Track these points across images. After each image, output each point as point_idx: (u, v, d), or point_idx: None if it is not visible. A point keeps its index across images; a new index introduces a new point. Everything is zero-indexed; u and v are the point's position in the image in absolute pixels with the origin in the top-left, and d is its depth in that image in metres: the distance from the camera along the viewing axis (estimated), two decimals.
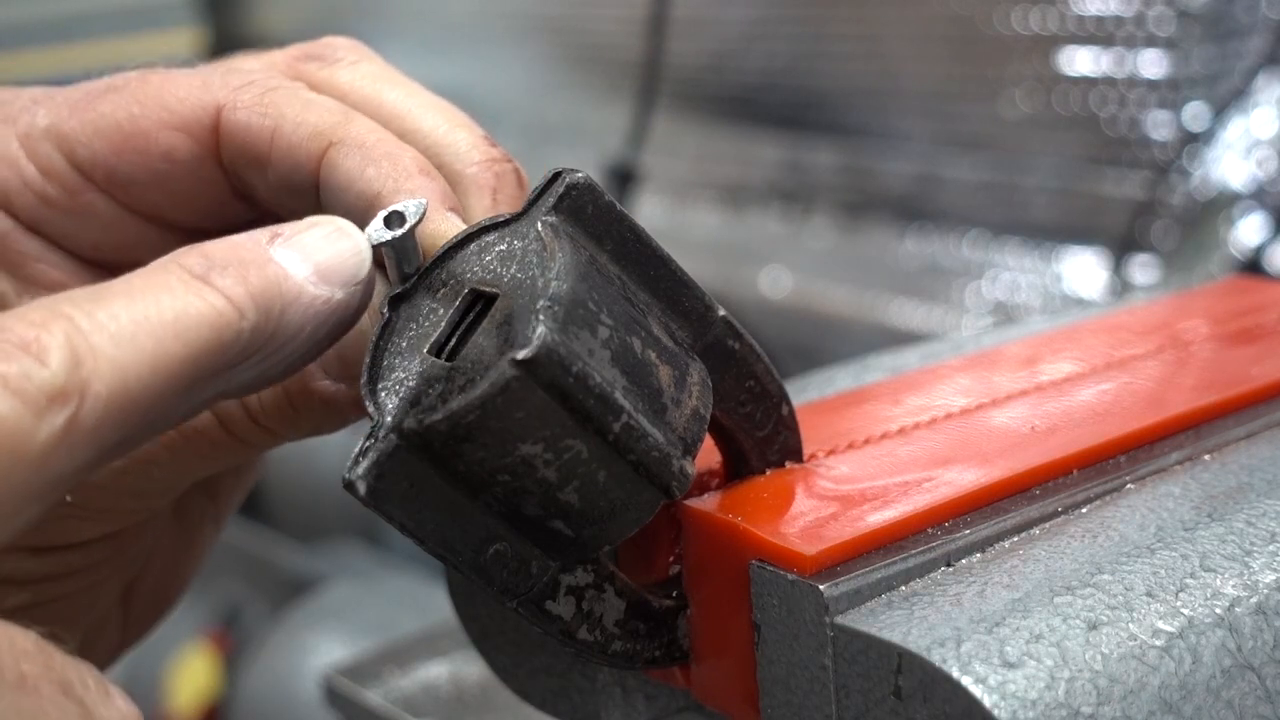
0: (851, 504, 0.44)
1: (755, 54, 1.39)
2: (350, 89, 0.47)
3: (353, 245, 0.40)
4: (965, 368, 0.58)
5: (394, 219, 0.41)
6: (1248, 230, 1.04)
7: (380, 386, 0.40)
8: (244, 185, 0.46)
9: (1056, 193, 1.16)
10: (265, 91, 0.45)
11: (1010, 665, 0.36)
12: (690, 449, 0.41)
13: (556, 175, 0.42)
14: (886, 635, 0.38)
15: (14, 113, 0.47)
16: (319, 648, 1.29)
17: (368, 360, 0.40)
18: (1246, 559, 0.42)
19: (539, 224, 0.41)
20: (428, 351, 0.40)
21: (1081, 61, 1.12)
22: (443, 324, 0.40)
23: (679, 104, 1.46)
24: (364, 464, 0.38)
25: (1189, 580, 0.41)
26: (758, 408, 0.45)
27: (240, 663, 1.41)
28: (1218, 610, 0.40)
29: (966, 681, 0.36)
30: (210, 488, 0.53)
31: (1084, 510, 0.45)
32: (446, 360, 0.39)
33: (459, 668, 0.82)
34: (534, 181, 0.43)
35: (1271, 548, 0.42)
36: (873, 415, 0.52)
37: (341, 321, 0.40)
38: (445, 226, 0.42)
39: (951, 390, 0.55)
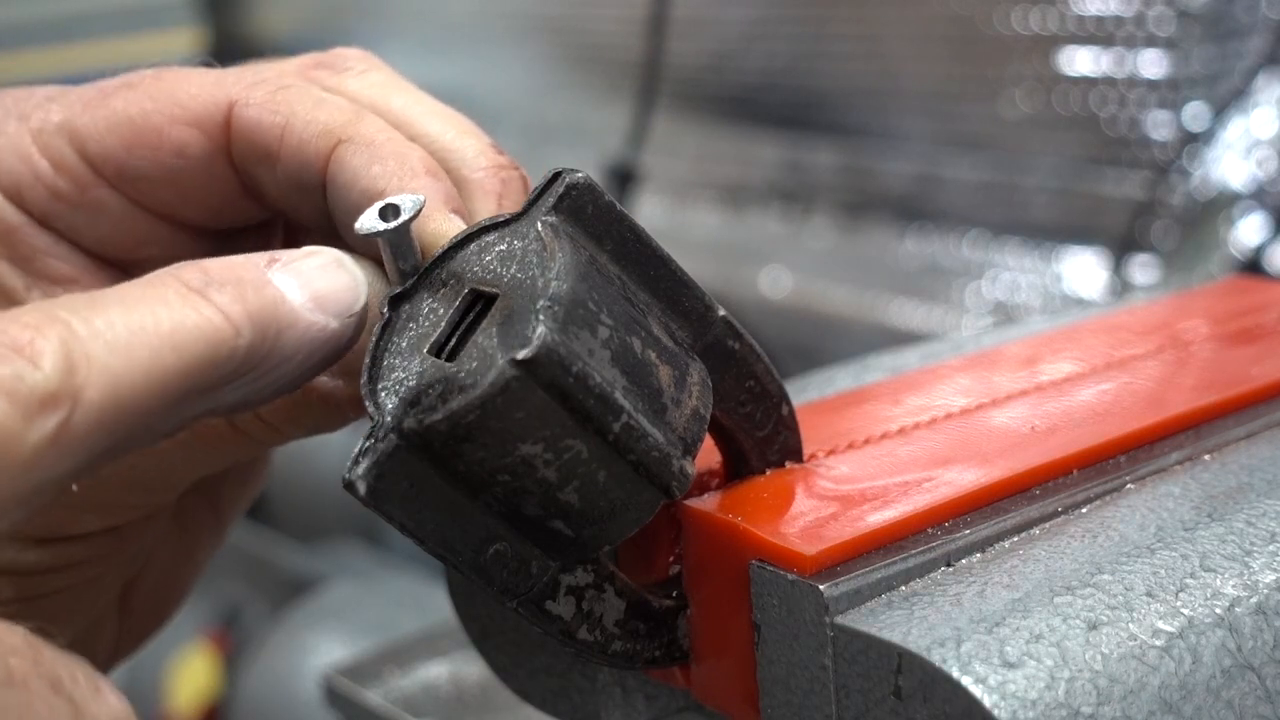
0: (851, 504, 0.44)
1: (755, 54, 1.39)
2: (358, 96, 0.47)
3: (350, 278, 0.40)
4: (965, 368, 0.58)
5: (389, 211, 0.41)
6: (1248, 230, 1.04)
7: (380, 386, 0.40)
8: (253, 182, 0.47)
9: (1056, 193, 1.16)
10: (278, 89, 0.46)
11: (1010, 665, 0.37)
12: (690, 449, 0.41)
13: (556, 175, 0.42)
14: (886, 635, 0.38)
15: (28, 109, 0.47)
16: (319, 648, 1.29)
17: (368, 360, 0.40)
18: (1246, 559, 0.42)
19: (539, 224, 0.41)
20: (428, 351, 0.40)
21: (1081, 61, 1.12)
22: (443, 324, 0.40)
23: (679, 104, 1.46)
24: (364, 464, 0.38)
25: (1189, 580, 0.41)
26: (758, 408, 0.45)
27: (240, 663, 1.41)
28: (1218, 610, 0.40)
29: (966, 681, 0.36)
30: (213, 497, 0.53)
31: (1084, 510, 0.45)
32: (446, 360, 0.39)
33: (459, 668, 0.82)
34: (534, 182, 0.43)
35: (1271, 548, 0.42)
36: (873, 415, 0.52)
37: (335, 351, 0.40)
38: (446, 226, 0.43)
39: (951, 390, 0.55)
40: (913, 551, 0.42)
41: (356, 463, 0.38)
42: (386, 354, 0.41)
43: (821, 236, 1.34)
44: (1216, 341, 0.60)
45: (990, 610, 0.39)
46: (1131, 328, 0.62)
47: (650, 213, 1.46)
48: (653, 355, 0.40)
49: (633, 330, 0.40)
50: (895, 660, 0.38)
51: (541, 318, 0.37)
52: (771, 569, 0.41)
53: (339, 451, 1.38)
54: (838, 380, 0.58)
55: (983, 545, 0.43)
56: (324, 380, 0.44)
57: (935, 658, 0.37)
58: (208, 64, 0.48)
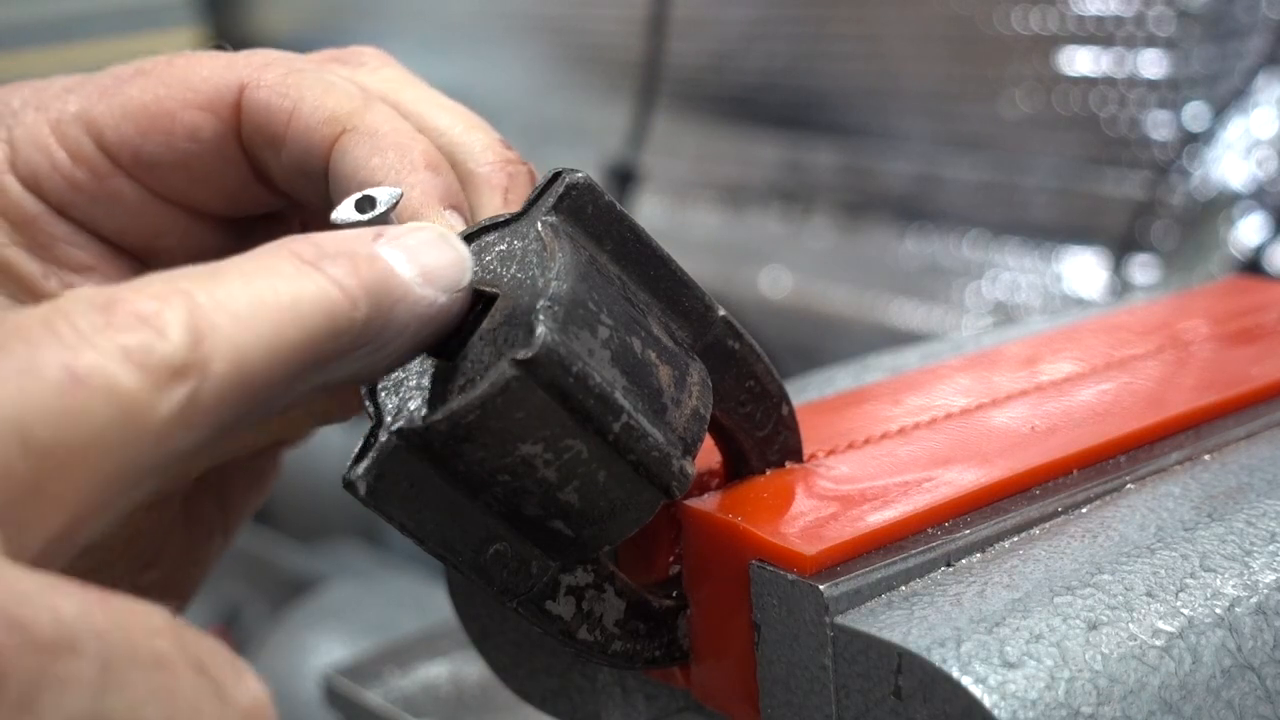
0: (851, 504, 0.44)
1: (755, 54, 1.39)
2: (369, 89, 0.47)
3: (455, 254, 0.39)
4: (965, 368, 0.58)
5: (365, 203, 0.41)
6: (1248, 230, 1.04)
7: (380, 386, 0.40)
8: (262, 167, 0.47)
9: (1056, 193, 1.16)
10: (289, 73, 0.46)
11: (1010, 665, 0.36)
12: (690, 449, 0.41)
13: (556, 175, 0.42)
14: (886, 635, 0.38)
15: (46, 100, 0.47)
16: (319, 648, 1.29)
17: None
18: (1246, 559, 0.42)
19: (539, 224, 0.41)
20: (428, 351, 0.40)
21: (1081, 61, 1.12)
22: None
23: (679, 104, 1.46)
24: (364, 464, 0.38)
25: (1189, 580, 0.41)
26: (758, 408, 0.45)
27: None
28: (1218, 610, 0.40)
29: (966, 681, 0.36)
30: (222, 498, 0.53)
31: (1084, 510, 0.45)
32: (446, 360, 0.39)
33: (459, 668, 0.82)
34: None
35: (1271, 548, 0.42)
36: (873, 415, 0.52)
37: (442, 326, 0.39)
38: (440, 223, 0.43)
39: (951, 390, 0.55)
40: (913, 551, 0.42)
41: (356, 462, 0.38)
42: None
43: (821, 236, 1.34)
44: (1216, 341, 0.60)
45: (990, 610, 0.39)
46: (1131, 328, 0.62)
47: (650, 213, 1.46)
48: (653, 355, 0.40)
49: (633, 330, 0.40)
50: (895, 660, 0.38)
51: (541, 318, 0.37)
52: (771, 569, 0.41)
53: (339, 451, 1.38)
54: (838, 380, 0.58)
55: (983, 545, 0.43)
56: None
57: (935, 658, 0.37)
58: (220, 47, 0.49)
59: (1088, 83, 1.11)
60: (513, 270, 0.40)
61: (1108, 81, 1.10)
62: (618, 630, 0.43)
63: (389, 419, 0.39)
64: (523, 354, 0.37)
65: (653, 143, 1.45)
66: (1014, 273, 1.18)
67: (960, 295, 1.19)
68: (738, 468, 0.47)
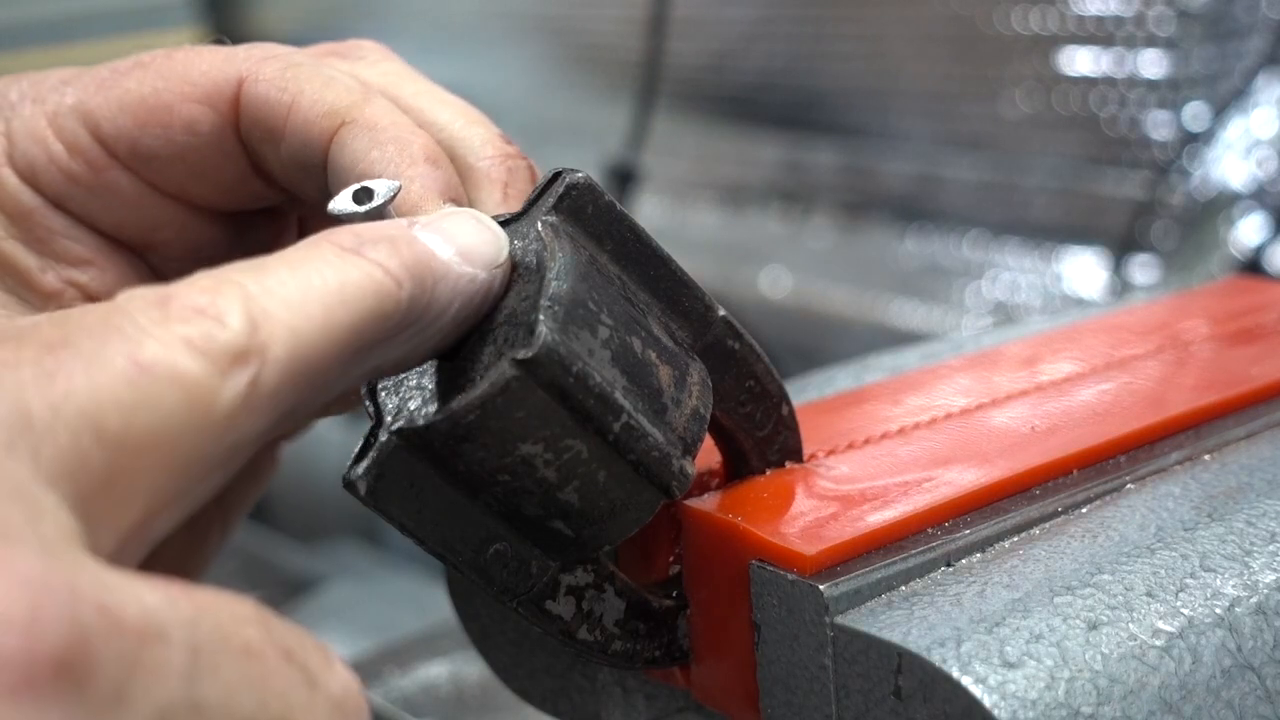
0: (851, 504, 0.44)
1: (755, 54, 1.39)
2: (369, 82, 0.47)
3: (491, 233, 0.40)
4: (965, 368, 0.58)
5: (363, 195, 0.41)
6: (1248, 230, 1.04)
7: (380, 386, 0.40)
8: (260, 160, 0.47)
9: (1056, 193, 1.16)
10: (288, 66, 0.46)
11: (1010, 665, 0.36)
12: (690, 449, 0.41)
13: (556, 175, 0.42)
14: (886, 635, 0.38)
15: (44, 92, 0.47)
16: None
17: None
18: (1246, 559, 0.42)
19: (539, 224, 0.41)
20: None
21: (1081, 61, 1.11)
22: None
23: (679, 104, 1.46)
24: (364, 463, 0.38)
25: (1189, 580, 0.41)
26: (758, 408, 0.45)
27: None
28: (1218, 610, 0.40)
29: (966, 681, 0.36)
30: (220, 496, 0.53)
31: (1084, 510, 0.45)
32: (447, 360, 0.39)
33: (459, 668, 0.82)
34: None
35: (1271, 548, 0.42)
36: (873, 415, 0.52)
37: (485, 301, 0.40)
38: None
39: (951, 390, 0.55)
40: (913, 551, 0.42)
41: (356, 462, 0.38)
42: None
43: (821, 236, 1.34)
44: (1216, 341, 0.60)
45: (990, 610, 0.39)
46: (1131, 328, 0.62)
47: (650, 213, 1.46)
48: (653, 355, 0.40)
49: (633, 330, 0.40)
50: (895, 660, 0.38)
51: (541, 318, 0.37)
52: (771, 569, 0.41)
53: (339, 451, 1.38)
54: (838, 380, 0.58)
55: (983, 545, 0.43)
56: None
57: (935, 658, 0.37)
58: (220, 41, 0.49)
59: (1088, 83, 1.11)
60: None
61: (1108, 81, 1.10)
62: (618, 630, 0.43)
63: (389, 419, 0.39)
64: (523, 354, 0.37)
65: (653, 143, 1.45)
66: (1014, 273, 1.18)
67: (960, 295, 1.19)
68: (738, 468, 0.47)
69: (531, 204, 0.42)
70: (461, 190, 0.45)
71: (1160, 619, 0.39)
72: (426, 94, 0.47)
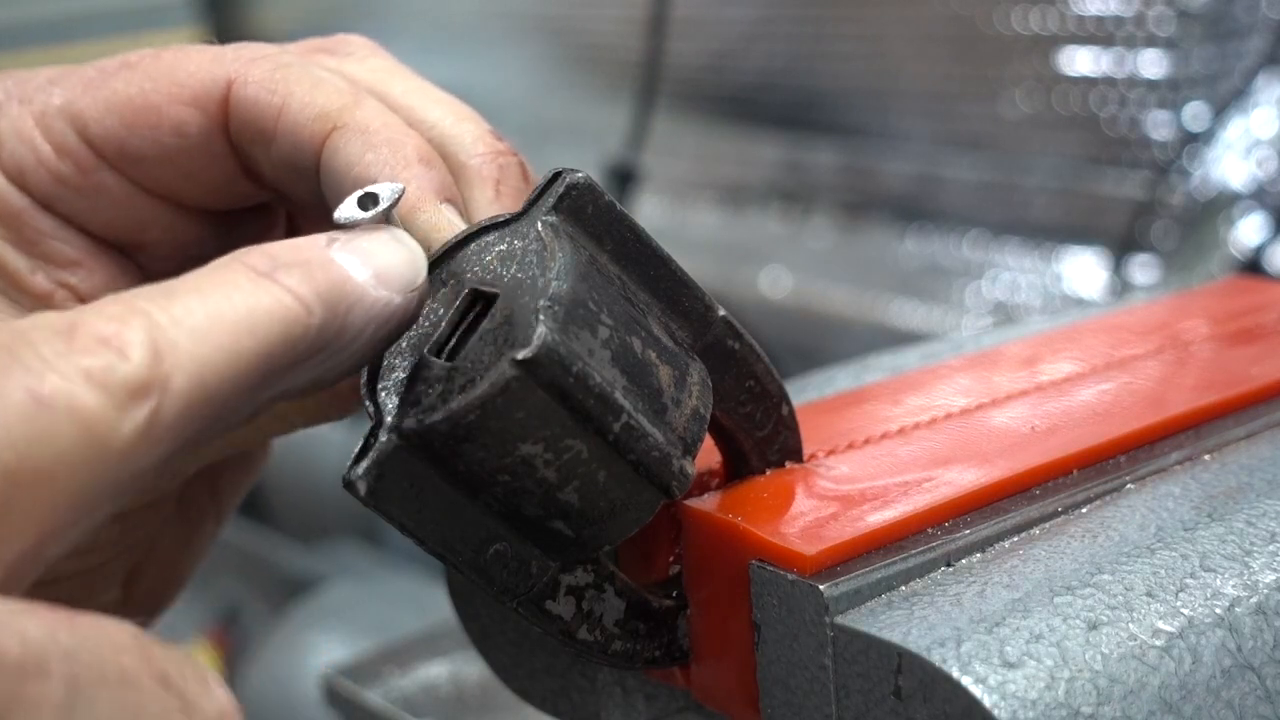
0: (851, 504, 0.44)
1: (755, 54, 1.39)
2: (358, 80, 0.47)
3: (409, 253, 0.40)
4: (965, 368, 0.58)
5: (368, 200, 0.41)
6: (1248, 230, 1.04)
7: (380, 386, 0.40)
8: (251, 162, 0.47)
9: (1056, 193, 1.16)
10: (277, 68, 0.46)
11: (1010, 665, 0.36)
12: (690, 449, 0.41)
13: (556, 175, 0.42)
14: (886, 635, 0.38)
15: (30, 92, 0.47)
16: (319, 648, 1.29)
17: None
18: (1246, 559, 0.42)
19: (539, 224, 0.41)
20: (428, 351, 0.40)
21: (1081, 61, 1.12)
22: (443, 324, 0.40)
23: (679, 104, 1.46)
24: (364, 464, 0.38)
25: (1189, 580, 0.41)
26: (758, 408, 0.45)
27: (240, 663, 1.41)
28: (1218, 610, 0.40)
29: (966, 681, 0.36)
30: (213, 485, 0.53)
31: (1084, 510, 0.45)
32: (447, 360, 0.39)
33: (459, 668, 0.82)
34: (534, 181, 0.43)
35: (1271, 548, 0.42)
36: (873, 415, 0.52)
37: (400, 326, 0.40)
38: (438, 218, 0.43)
39: (951, 390, 0.55)
40: (913, 551, 0.42)
41: (356, 462, 0.38)
42: (386, 354, 0.41)
43: (821, 236, 1.34)
44: (1216, 341, 0.60)
45: (990, 610, 0.39)
46: (1131, 328, 0.62)
47: (650, 213, 1.46)
48: (653, 355, 0.40)
49: (633, 330, 0.40)
50: (895, 660, 0.38)
51: (541, 318, 0.37)
52: (771, 569, 0.41)
53: (339, 451, 1.39)
54: (838, 380, 0.58)
55: (983, 545, 0.43)
56: None
57: (935, 658, 0.37)
58: (207, 41, 0.49)
59: (1088, 83, 1.11)
60: (513, 270, 0.40)
61: (1108, 81, 1.10)
62: (618, 630, 0.43)
63: (389, 419, 0.39)
64: (523, 354, 0.36)
65: (653, 143, 1.45)
66: (1014, 273, 1.18)
67: (960, 295, 1.19)
68: (738, 468, 0.47)
69: (531, 204, 0.42)
70: (455, 190, 0.45)
71: (1160, 619, 0.39)
72: (416, 91, 0.47)
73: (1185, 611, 0.39)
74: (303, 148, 0.45)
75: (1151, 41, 1.07)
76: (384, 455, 0.38)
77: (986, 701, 0.36)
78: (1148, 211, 1.08)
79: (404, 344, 0.41)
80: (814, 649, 0.40)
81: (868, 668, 0.38)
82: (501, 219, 0.42)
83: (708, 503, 0.44)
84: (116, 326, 0.32)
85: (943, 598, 0.40)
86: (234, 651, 1.45)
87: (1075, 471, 0.47)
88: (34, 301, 0.47)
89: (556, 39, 1.63)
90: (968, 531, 0.43)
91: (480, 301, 0.40)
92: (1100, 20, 1.09)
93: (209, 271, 0.36)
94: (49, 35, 2.00)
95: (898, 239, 1.27)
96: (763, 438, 0.46)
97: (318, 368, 0.38)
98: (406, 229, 0.42)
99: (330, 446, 1.40)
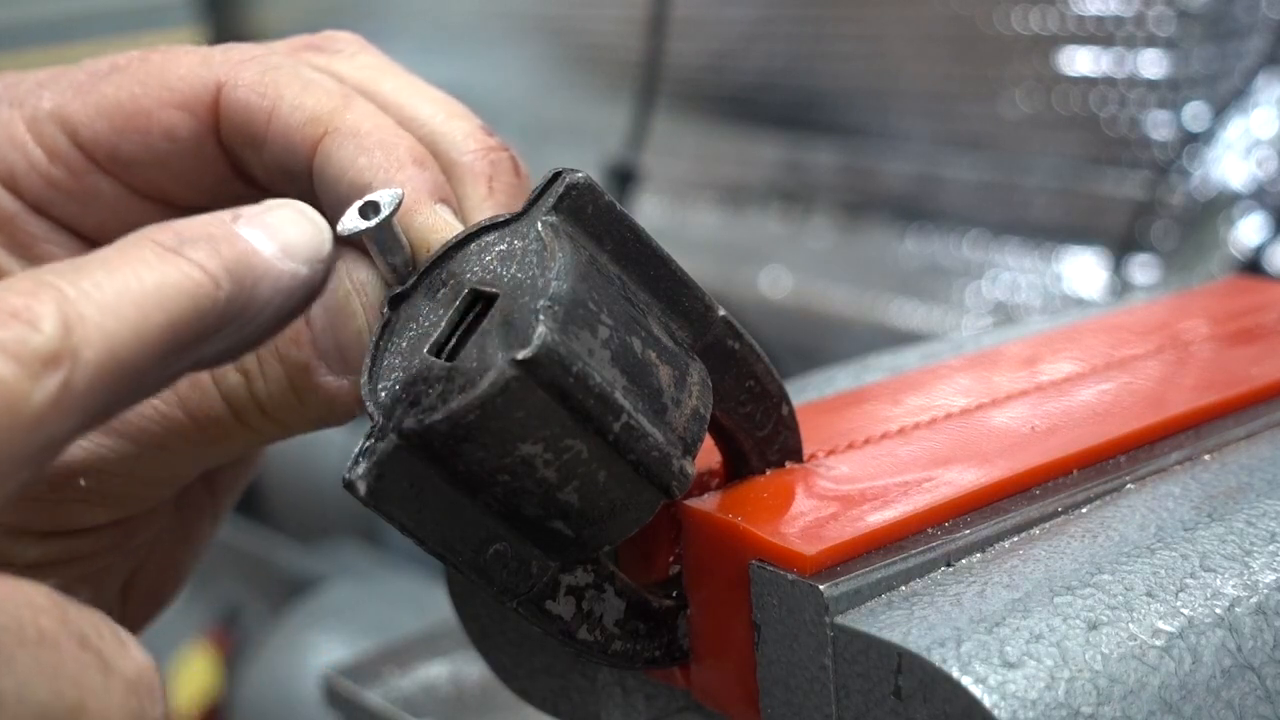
0: (851, 504, 0.44)
1: (755, 54, 1.39)
2: (347, 79, 0.47)
3: (312, 226, 0.40)
4: (965, 368, 0.58)
5: (369, 209, 0.41)
6: (1248, 230, 1.04)
7: (380, 386, 0.40)
8: (242, 165, 0.47)
9: (1056, 193, 1.16)
10: (266, 70, 0.46)
11: (1010, 665, 0.36)
12: (690, 449, 0.41)
13: (556, 175, 0.42)
14: (886, 635, 0.38)
15: (21, 95, 0.47)
16: (319, 648, 1.29)
17: (368, 360, 0.40)
18: (1246, 559, 0.42)
19: (539, 224, 0.41)
20: (428, 352, 0.40)
21: (1081, 61, 1.12)
22: (443, 324, 0.40)
23: (679, 104, 1.46)
24: (364, 464, 0.38)
25: (1189, 580, 0.41)
26: (758, 408, 0.45)
27: (240, 663, 1.41)
28: (1218, 610, 0.40)
29: (966, 681, 0.36)
30: (210, 483, 0.53)
31: (1084, 510, 0.45)
32: (446, 360, 0.39)
33: (459, 668, 0.82)
34: (533, 181, 0.43)
35: (1271, 548, 0.42)
36: (873, 415, 0.52)
37: (307, 296, 0.40)
38: (434, 220, 0.43)
39: (951, 390, 0.55)
40: (913, 551, 0.42)
41: (356, 463, 0.38)
42: (387, 354, 0.41)
43: (821, 236, 1.34)
44: (1216, 341, 0.60)
45: (990, 610, 0.39)
46: (1131, 328, 0.62)
47: (650, 213, 1.46)
48: (653, 355, 0.40)
49: (633, 330, 0.40)
50: (895, 660, 0.38)
51: (541, 318, 0.37)
52: (771, 569, 0.41)
53: (339, 451, 1.39)
54: (838, 380, 0.58)
55: (983, 545, 0.43)
56: (328, 378, 0.45)
57: (935, 658, 0.37)
58: (202, 42, 0.49)
59: (1088, 83, 1.11)
60: (513, 270, 0.40)
61: (1108, 81, 1.10)
62: (618, 630, 0.43)
63: (389, 419, 0.39)
64: (522, 354, 0.37)
65: (653, 143, 1.45)
66: (1014, 273, 1.18)
67: (960, 295, 1.19)
68: (738, 468, 0.47)
69: (531, 204, 0.42)
70: (449, 189, 0.45)
71: (1160, 619, 0.39)
72: (405, 88, 0.47)
73: (1185, 611, 0.39)
74: (294, 151, 0.45)
75: (1151, 41, 1.07)
76: (384, 455, 0.38)
77: (986, 701, 0.36)
78: (1148, 211, 1.08)
79: (404, 344, 0.41)
80: (814, 649, 0.40)
81: (868, 668, 0.38)
82: (501, 219, 0.42)
83: (708, 503, 0.44)
84: (27, 300, 0.33)
85: (943, 598, 0.40)
86: (234, 651, 1.45)
87: (1075, 471, 0.47)
88: None
89: (556, 39, 1.63)
90: (968, 531, 0.43)
91: (480, 301, 0.40)
92: (1100, 20, 1.09)
93: (118, 248, 0.36)
94: (49, 35, 2.00)
95: (898, 239, 1.27)
96: (763, 438, 0.46)
97: (228, 339, 0.38)
98: (403, 231, 0.42)
99: (330, 446, 1.40)
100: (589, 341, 0.38)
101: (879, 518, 0.43)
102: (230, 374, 0.44)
